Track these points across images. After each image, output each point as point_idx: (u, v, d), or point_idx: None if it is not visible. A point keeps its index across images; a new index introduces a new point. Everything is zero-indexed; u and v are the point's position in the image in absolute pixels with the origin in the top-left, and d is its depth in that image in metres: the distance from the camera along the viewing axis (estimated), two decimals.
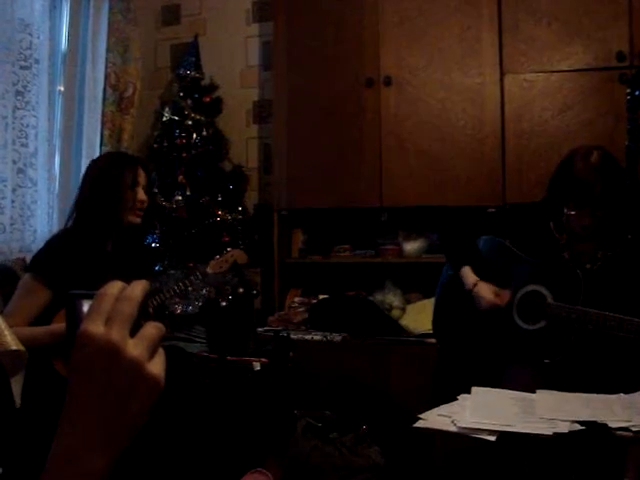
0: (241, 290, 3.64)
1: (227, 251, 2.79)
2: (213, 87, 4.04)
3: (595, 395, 1.90)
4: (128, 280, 0.69)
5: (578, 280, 2.23)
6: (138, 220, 2.55)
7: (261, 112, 4.24)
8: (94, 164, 2.64)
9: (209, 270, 2.68)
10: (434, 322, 2.75)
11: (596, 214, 2.21)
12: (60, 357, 2.26)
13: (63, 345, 2.12)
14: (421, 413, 1.80)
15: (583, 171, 2.21)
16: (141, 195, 2.53)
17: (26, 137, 3.30)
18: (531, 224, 2.47)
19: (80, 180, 2.69)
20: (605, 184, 2.17)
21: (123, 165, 2.54)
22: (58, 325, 2.27)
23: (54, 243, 2.47)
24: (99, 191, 2.48)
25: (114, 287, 0.67)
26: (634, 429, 1.61)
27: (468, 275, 2.47)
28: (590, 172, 2.20)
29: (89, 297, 0.69)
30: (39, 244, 2.91)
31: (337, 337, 3.34)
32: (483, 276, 2.45)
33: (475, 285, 2.42)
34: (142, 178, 2.56)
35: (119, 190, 2.48)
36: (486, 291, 2.40)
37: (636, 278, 2.26)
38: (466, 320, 2.55)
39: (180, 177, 3.79)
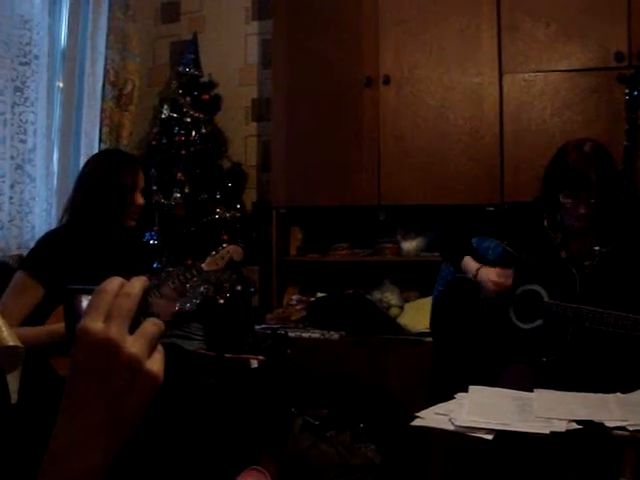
0: (239, 287, 3.64)
1: (223, 247, 2.76)
2: (212, 85, 4.05)
3: (592, 394, 1.90)
4: (123, 277, 0.69)
5: (573, 278, 2.23)
6: (133, 223, 2.53)
7: (260, 110, 4.24)
8: (93, 163, 2.59)
9: (205, 267, 2.66)
10: (432, 321, 2.76)
11: (591, 202, 2.22)
12: (57, 355, 2.25)
13: (63, 342, 2.11)
14: (418, 411, 1.80)
15: (577, 160, 2.25)
16: (139, 199, 2.51)
17: (25, 133, 3.29)
18: (527, 223, 2.47)
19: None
20: (599, 172, 2.21)
21: (123, 167, 2.50)
22: (59, 325, 2.22)
23: (47, 241, 2.43)
24: (98, 193, 2.44)
25: (113, 283, 0.67)
26: (631, 429, 1.61)
27: (470, 263, 2.47)
28: (584, 160, 2.24)
29: (88, 292, 0.69)
30: None
31: (335, 335, 3.34)
32: None
33: (478, 269, 2.42)
34: (141, 180, 2.54)
35: (119, 194, 2.45)
36: (490, 273, 2.40)
37: (632, 275, 2.27)
38: (464, 319, 2.55)
39: (179, 174, 3.79)
